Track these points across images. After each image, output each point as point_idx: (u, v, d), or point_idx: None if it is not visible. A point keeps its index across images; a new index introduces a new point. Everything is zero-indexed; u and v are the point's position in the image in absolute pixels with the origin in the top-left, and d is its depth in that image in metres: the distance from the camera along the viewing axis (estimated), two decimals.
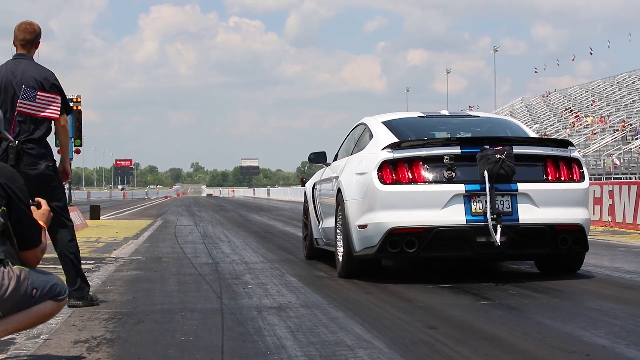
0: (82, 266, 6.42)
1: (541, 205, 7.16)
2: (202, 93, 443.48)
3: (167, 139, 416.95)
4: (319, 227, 9.33)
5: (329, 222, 8.60)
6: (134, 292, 7.18)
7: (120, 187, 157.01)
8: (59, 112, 6.12)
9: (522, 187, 7.15)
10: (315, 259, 9.77)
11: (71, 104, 20.94)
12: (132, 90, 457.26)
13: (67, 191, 11.49)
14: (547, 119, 68.80)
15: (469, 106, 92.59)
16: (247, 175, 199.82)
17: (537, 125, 63.60)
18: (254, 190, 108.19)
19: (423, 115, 8.58)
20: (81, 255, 6.42)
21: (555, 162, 7.37)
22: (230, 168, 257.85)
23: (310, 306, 6.12)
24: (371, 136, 8.05)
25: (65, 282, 6.01)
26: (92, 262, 9.97)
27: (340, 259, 7.89)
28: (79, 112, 23.11)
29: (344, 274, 7.79)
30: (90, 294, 6.36)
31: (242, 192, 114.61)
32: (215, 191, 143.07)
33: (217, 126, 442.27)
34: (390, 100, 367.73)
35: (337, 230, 8.06)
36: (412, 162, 7.20)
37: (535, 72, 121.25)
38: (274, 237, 14.95)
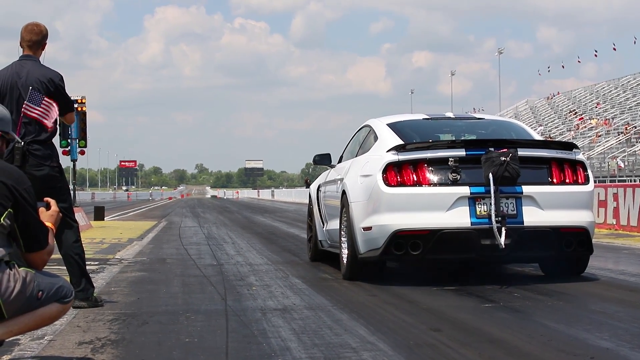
0: (87, 267, 6.43)
1: (546, 207, 7.16)
2: (206, 94, 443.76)
3: (172, 140, 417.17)
4: (324, 229, 9.33)
5: (334, 224, 8.60)
6: (139, 293, 7.19)
7: (124, 188, 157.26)
8: (54, 122, 6.17)
9: (526, 189, 7.15)
10: (320, 260, 9.77)
11: (76, 105, 20.98)
12: (137, 91, 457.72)
13: (71, 192, 11.51)
14: (551, 122, 68.72)
15: (474, 108, 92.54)
16: (251, 177, 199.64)
17: (542, 127, 63.53)
18: (258, 191, 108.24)
19: (428, 117, 8.59)
20: (86, 256, 6.43)
21: (560, 164, 7.38)
22: (234, 169, 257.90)
23: (314, 308, 6.12)
24: (376, 138, 8.05)
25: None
26: (96, 263, 9.99)
27: (344, 261, 7.90)
28: (84, 113, 23.09)
29: (348, 276, 7.79)
30: (95, 295, 6.37)
31: (246, 194, 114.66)
32: (220, 192, 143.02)
33: (222, 127, 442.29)
34: (395, 102, 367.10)
35: (342, 232, 8.06)
36: (416, 165, 7.21)
37: (539, 74, 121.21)
38: (278, 238, 14.95)
